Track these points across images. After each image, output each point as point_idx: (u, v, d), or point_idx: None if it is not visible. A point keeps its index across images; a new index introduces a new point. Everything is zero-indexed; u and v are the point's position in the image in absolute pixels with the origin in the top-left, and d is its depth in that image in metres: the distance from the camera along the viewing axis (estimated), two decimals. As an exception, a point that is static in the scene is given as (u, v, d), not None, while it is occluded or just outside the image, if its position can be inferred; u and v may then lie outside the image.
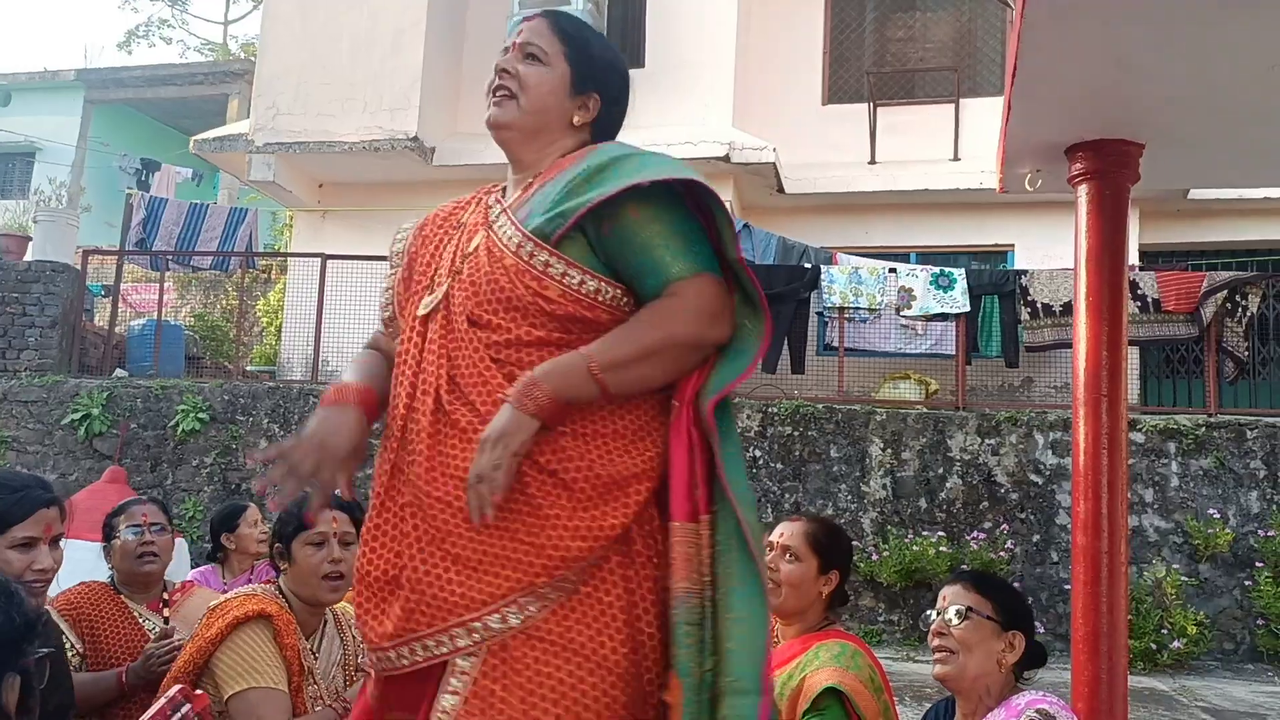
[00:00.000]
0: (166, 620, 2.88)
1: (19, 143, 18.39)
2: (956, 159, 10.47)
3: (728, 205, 10.75)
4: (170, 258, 10.92)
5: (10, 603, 1.23)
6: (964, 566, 7.55)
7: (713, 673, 1.50)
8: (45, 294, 9.85)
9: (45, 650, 1.26)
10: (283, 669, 2.35)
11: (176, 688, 1.99)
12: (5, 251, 10.52)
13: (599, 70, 1.83)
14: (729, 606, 1.52)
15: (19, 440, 9.23)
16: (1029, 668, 2.13)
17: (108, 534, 3.02)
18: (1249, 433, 7.72)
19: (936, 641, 2.13)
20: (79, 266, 10.38)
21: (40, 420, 9.28)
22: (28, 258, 10.31)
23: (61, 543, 2.25)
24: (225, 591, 3.05)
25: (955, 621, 2.10)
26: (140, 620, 2.87)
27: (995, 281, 8.93)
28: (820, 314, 9.09)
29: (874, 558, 7.73)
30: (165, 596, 3.00)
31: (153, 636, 2.76)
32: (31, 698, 1.24)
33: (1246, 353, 8.48)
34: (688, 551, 1.53)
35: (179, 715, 1.85)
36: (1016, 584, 7.53)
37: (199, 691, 2.24)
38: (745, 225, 9.74)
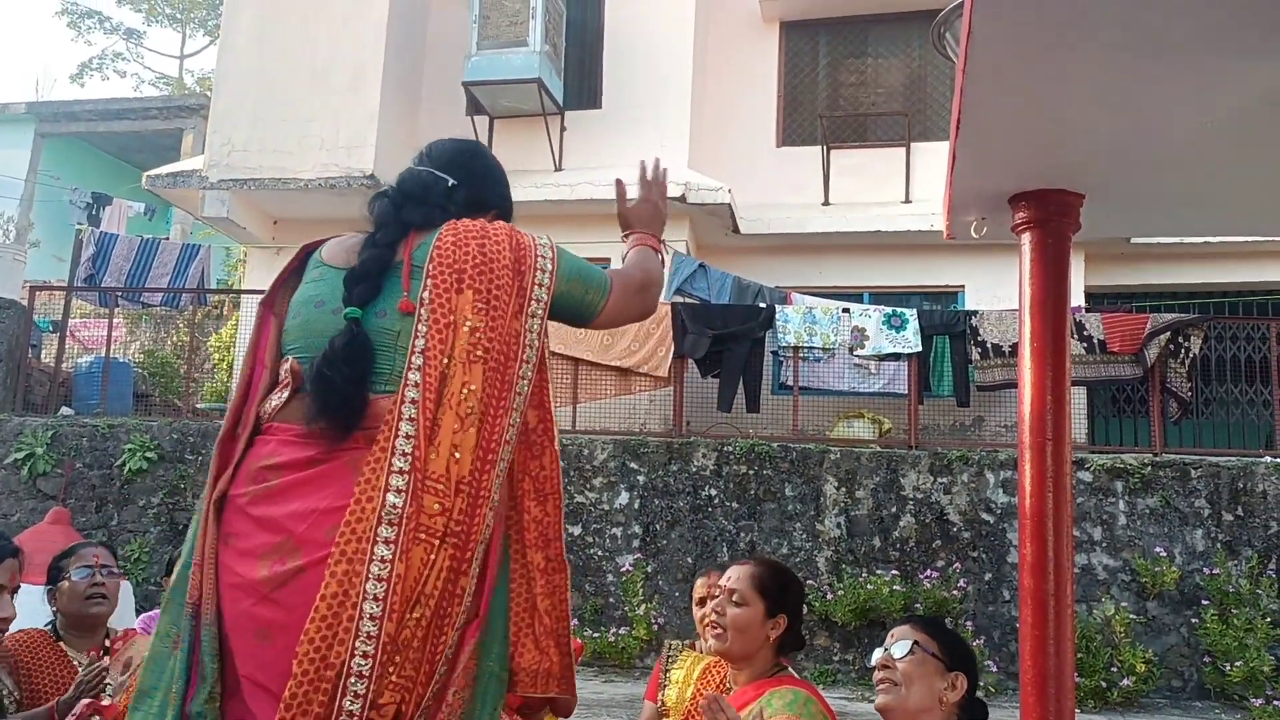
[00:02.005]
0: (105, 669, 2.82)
1: (-35, 175, 18.06)
2: (908, 201, 10.66)
3: (683, 245, 10.90)
4: (120, 294, 10.75)
5: None
6: (917, 607, 7.59)
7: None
8: (-11, 330, 9.66)
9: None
10: None
11: (84, 701, 1.99)
12: (-52, 286, 10.31)
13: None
14: None
15: (-42, 480, 8.99)
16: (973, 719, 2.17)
17: (54, 576, 2.96)
18: (1193, 472, 7.88)
19: (880, 674, 2.19)
20: (26, 302, 10.19)
21: (-19, 459, 9.05)
22: (-29, 293, 10.10)
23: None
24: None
25: (899, 655, 2.15)
26: (79, 669, 2.80)
27: (946, 322, 9.08)
28: (775, 353, 9.17)
29: (828, 597, 7.75)
30: (106, 643, 2.94)
31: (81, 671, 2.69)
32: None
33: (1190, 393, 8.67)
34: None
35: None
36: (969, 622, 7.59)
37: (107, 702, 2.22)
38: (701, 265, 9.82)
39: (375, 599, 1.67)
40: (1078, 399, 9.12)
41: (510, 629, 1.93)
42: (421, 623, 1.72)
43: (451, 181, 2.09)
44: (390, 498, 1.72)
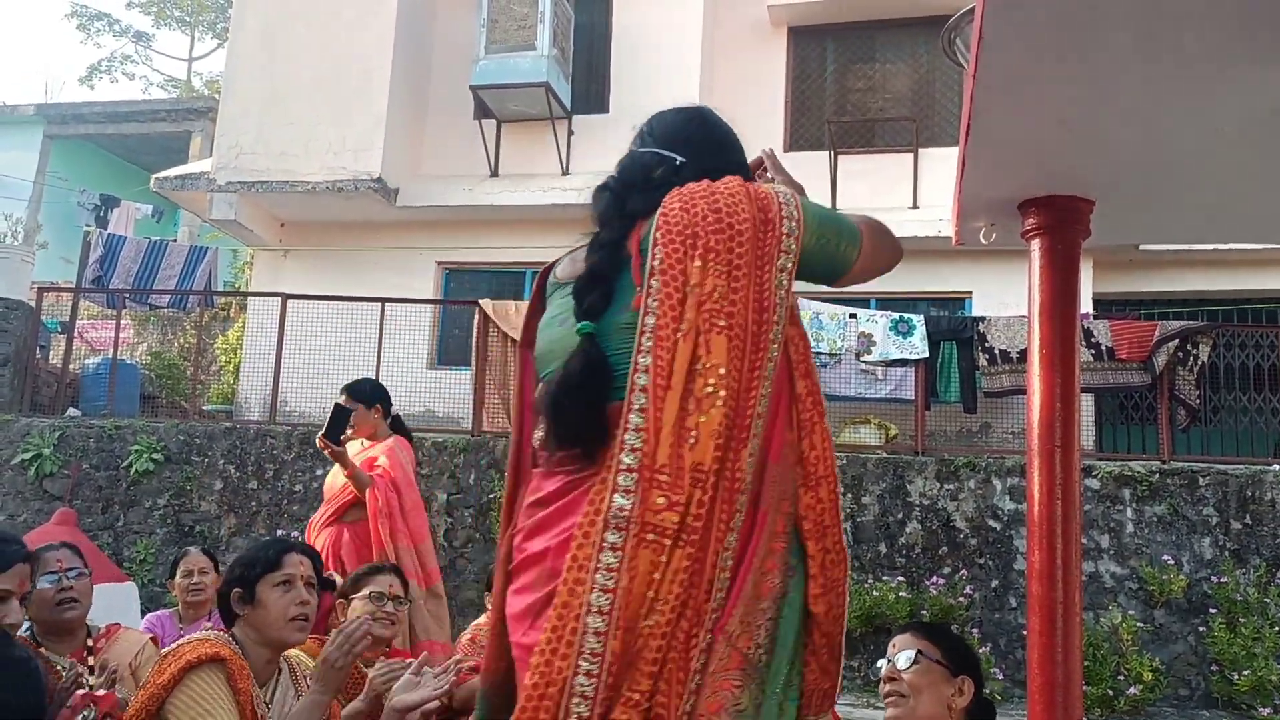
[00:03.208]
0: (91, 670, 2.81)
1: (-26, 176, 18.14)
2: (915, 207, 10.64)
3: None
4: (127, 295, 10.78)
5: (28, 681, 1.16)
6: (923, 613, 7.57)
7: None
8: (-3, 331, 9.69)
9: None
10: (236, 714, 2.31)
11: (80, 693, 1.97)
12: (-43, 287, 10.33)
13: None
14: None
15: (-35, 480, 9.01)
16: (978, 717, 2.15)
17: None
18: (1201, 480, 7.85)
19: (887, 687, 2.17)
20: (34, 303, 10.22)
21: (-12, 460, 9.07)
22: (-20, 294, 10.13)
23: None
24: (180, 638, 2.99)
25: (904, 666, 2.13)
26: (62, 673, 2.79)
27: (954, 328, 9.06)
28: (782, 358, 9.15)
29: (834, 603, 7.72)
30: (89, 643, 2.92)
31: (65, 680, 2.68)
32: None
33: (1198, 401, 8.64)
34: None
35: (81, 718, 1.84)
36: (975, 629, 7.56)
37: (102, 692, 2.22)
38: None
39: (600, 612, 1.51)
40: (1086, 406, 9.09)
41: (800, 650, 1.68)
42: (656, 631, 1.53)
43: (679, 159, 1.87)
44: (618, 499, 1.55)
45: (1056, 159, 1.82)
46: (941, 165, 10.38)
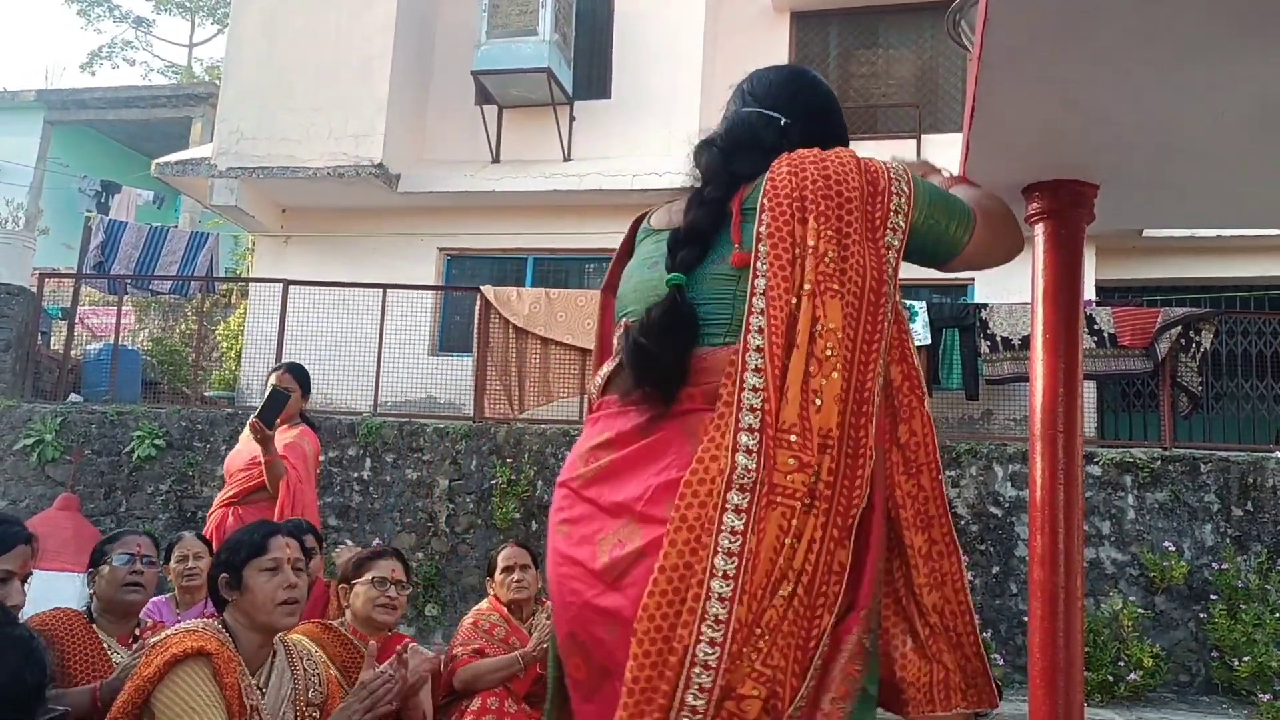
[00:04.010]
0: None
1: (-25, 162, 18.11)
2: (918, 193, 10.61)
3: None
4: (129, 281, 10.78)
5: (29, 661, 1.17)
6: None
7: None
8: (-1, 317, 9.69)
9: (60, 710, 1.20)
10: (222, 708, 2.29)
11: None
12: (-42, 273, 10.33)
13: None
14: None
15: (-32, 466, 9.03)
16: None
17: (96, 559, 3.00)
18: (1203, 466, 7.84)
19: None
20: (35, 289, 10.21)
21: (-10, 445, 9.08)
22: (-19, 279, 10.13)
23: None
24: (177, 623, 3.01)
25: None
26: (110, 653, 2.82)
27: (956, 315, 9.05)
28: (784, 345, 9.14)
29: (836, 589, 7.74)
30: (136, 633, 2.96)
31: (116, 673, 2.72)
32: None
33: (1200, 388, 8.63)
34: None
35: None
36: (976, 615, 7.57)
37: None
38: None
39: (725, 576, 1.43)
40: (1088, 393, 9.09)
41: (879, 636, 1.64)
42: (792, 602, 1.47)
43: (784, 120, 1.83)
44: (740, 459, 1.48)
45: (1061, 142, 1.81)
46: (945, 151, 10.34)
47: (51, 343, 11.41)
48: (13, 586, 2.20)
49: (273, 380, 4.71)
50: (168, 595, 4.28)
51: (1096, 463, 7.88)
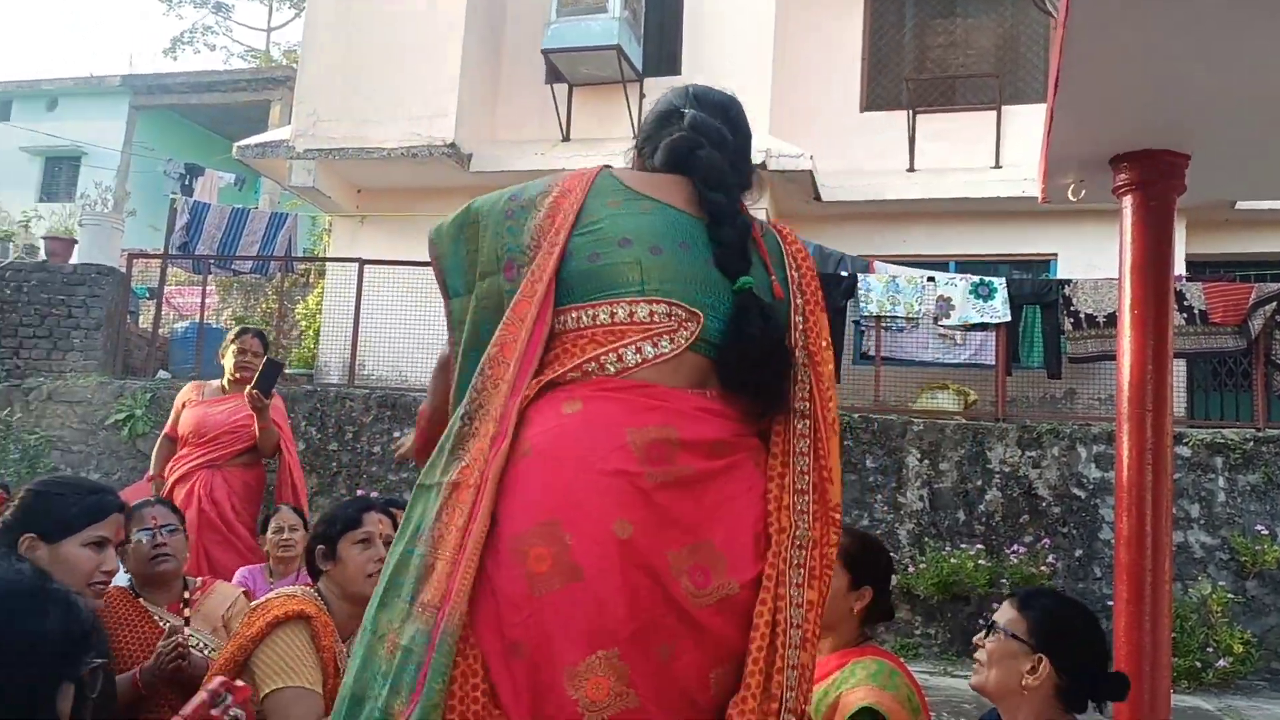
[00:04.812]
0: (187, 621, 2.91)
1: (66, 147, 18.76)
2: (998, 166, 10.36)
3: (763, 213, 10.81)
4: (212, 261, 11.07)
5: (68, 611, 1.22)
6: (1003, 582, 7.44)
7: None
8: (90, 296, 10.02)
9: (99, 660, 1.25)
10: (319, 670, 2.40)
11: (219, 679, 2.02)
12: (52, 254, 10.72)
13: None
14: None
15: (64, 440, 9.38)
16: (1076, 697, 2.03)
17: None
18: (1298, 447, 7.56)
19: (976, 652, 2.13)
20: (124, 269, 10.55)
21: (85, 420, 9.42)
22: (74, 261, 10.49)
23: None
24: (270, 591, 3.08)
25: (983, 635, 2.09)
26: (159, 623, 2.88)
27: (1037, 291, 8.82)
28: (857, 323, 9.03)
29: (910, 570, 7.65)
30: (185, 595, 3.02)
31: (160, 643, 2.77)
32: (84, 707, 1.24)
33: (1295, 366, 8.30)
34: None
35: (221, 707, 1.86)
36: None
37: (240, 683, 2.27)
38: (782, 233, 9.69)
39: (797, 626, 1.49)
40: (1177, 372, 8.80)
41: None
42: (798, 672, 1.53)
43: (730, 139, 1.81)
44: (801, 523, 1.54)
45: (1151, 111, 1.74)
46: (1027, 122, 10.08)
47: (140, 321, 11.78)
48: (108, 553, 2.28)
49: (236, 346, 5.00)
50: (261, 565, 4.39)
51: (1186, 444, 7.64)
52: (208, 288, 11.42)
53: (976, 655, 2.11)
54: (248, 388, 4.62)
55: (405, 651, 1.41)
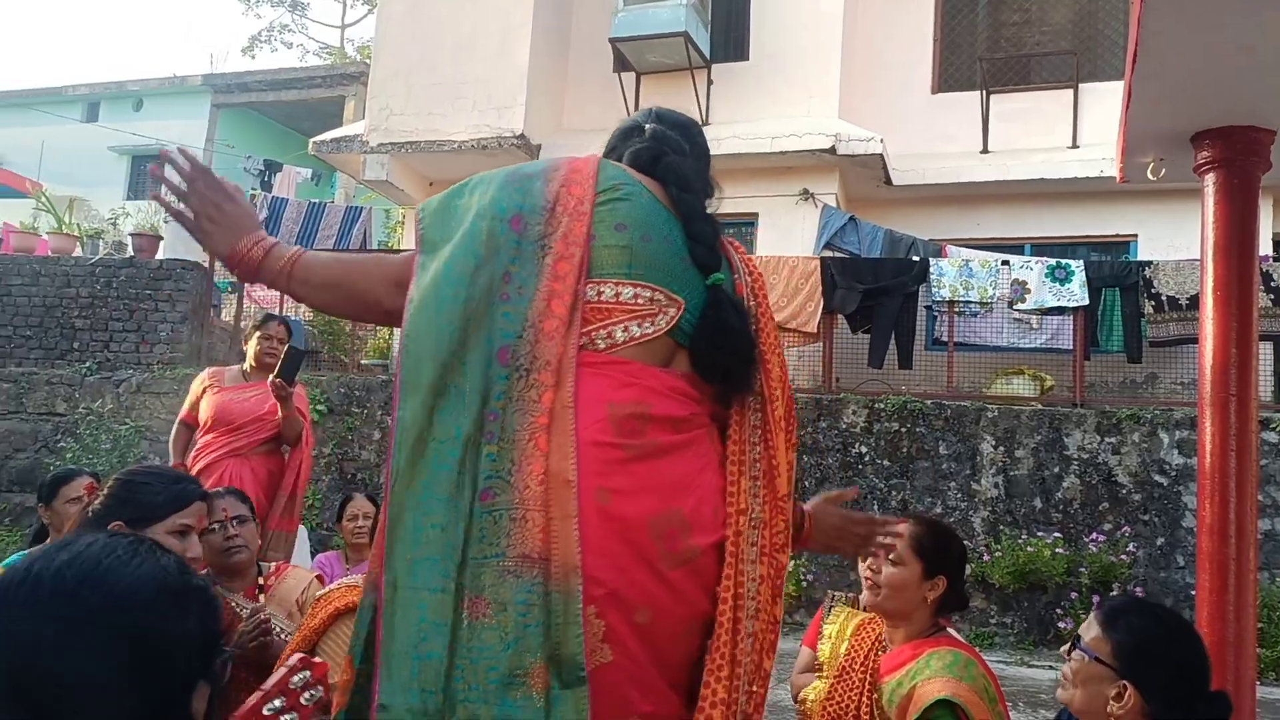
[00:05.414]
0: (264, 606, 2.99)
1: (150, 146, 19.34)
2: (1075, 146, 10.12)
3: (833, 198, 10.68)
4: (290, 255, 11.30)
5: (208, 610, 1.21)
6: (1082, 570, 7.29)
7: None
8: (176, 290, 10.34)
9: (228, 654, 1.25)
10: None
11: (297, 656, 2.09)
12: (139, 250, 11.08)
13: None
14: None
15: (152, 430, 9.71)
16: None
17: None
18: (1395, 433, 7.26)
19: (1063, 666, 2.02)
20: (207, 264, 10.86)
21: (172, 411, 9.67)
22: (159, 256, 10.83)
23: None
24: (346, 577, 3.16)
25: (1070, 650, 1.97)
26: (237, 609, 2.96)
27: (1116, 273, 8.60)
28: (929, 308, 8.90)
29: (985, 558, 7.54)
30: (260, 582, 3.09)
31: (244, 618, 2.86)
32: (213, 703, 1.24)
33: (1393, 348, 7.97)
34: None
35: (299, 680, 1.92)
36: (1138, 589, 7.24)
37: (318, 659, 2.34)
38: (851, 218, 9.59)
39: (752, 598, 1.62)
40: (1264, 355, 8.51)
41: None
42: (754, 639, 1.64)
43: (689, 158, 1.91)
44: (754, 505, 1.66)
45: (1234, 86, 1.69)
46: (1104, 101, 9.82)
47: (223, 314, 12.12)
48: (191, 541, 2.35)
49: (260, 333, 4.93)
50: (338, 551, 4.49)
51: (1272, 429, 7.40)
52: (286, 281, 11.65)
53: (1063, 669, 1.99)
54: (271, 376, 4.56)
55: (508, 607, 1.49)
